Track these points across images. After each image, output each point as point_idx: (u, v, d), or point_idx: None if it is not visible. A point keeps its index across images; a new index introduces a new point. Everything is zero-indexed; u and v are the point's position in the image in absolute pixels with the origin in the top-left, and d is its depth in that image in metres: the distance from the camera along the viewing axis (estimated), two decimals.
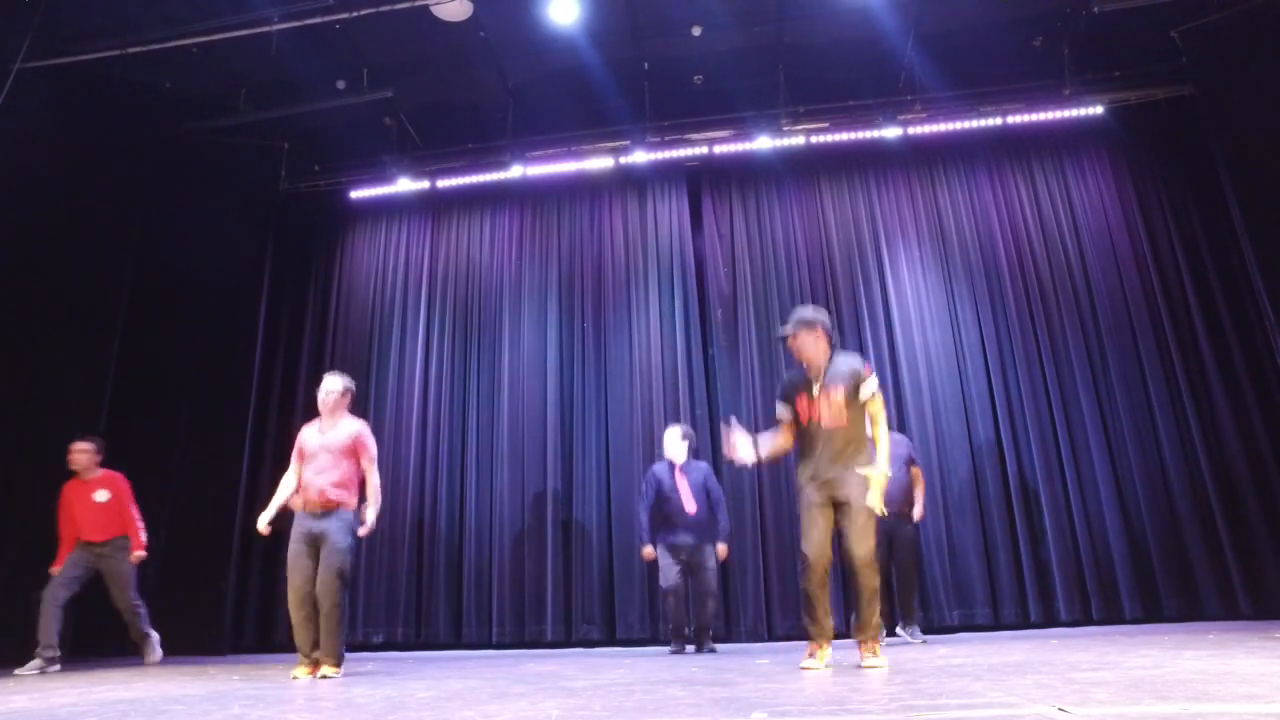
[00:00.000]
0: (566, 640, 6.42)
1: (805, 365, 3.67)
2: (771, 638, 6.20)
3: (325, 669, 4.02)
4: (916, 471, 5.56)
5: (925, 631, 5.51)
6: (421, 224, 8.06)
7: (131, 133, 7.08)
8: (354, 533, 4.18)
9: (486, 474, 7.06)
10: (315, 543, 4.10)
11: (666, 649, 5.54)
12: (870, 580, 3.40)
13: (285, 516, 4.34)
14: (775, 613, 6.27)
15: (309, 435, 4.36)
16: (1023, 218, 7.06)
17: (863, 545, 3.39)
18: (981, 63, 7.03)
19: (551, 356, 7.28)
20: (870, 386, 3.58)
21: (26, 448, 6.23)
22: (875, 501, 3.42)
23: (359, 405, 7.37)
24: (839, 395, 3.55)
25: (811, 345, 3.63)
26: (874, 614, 3.42)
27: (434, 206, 8.05)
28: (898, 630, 5.32)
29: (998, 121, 6.94)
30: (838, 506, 3.52)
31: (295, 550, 4.12)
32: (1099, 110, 6.81)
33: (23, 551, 6.05)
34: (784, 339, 3.69)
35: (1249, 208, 6.18)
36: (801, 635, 6.14)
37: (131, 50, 6.21)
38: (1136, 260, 6.72)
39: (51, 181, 6.60)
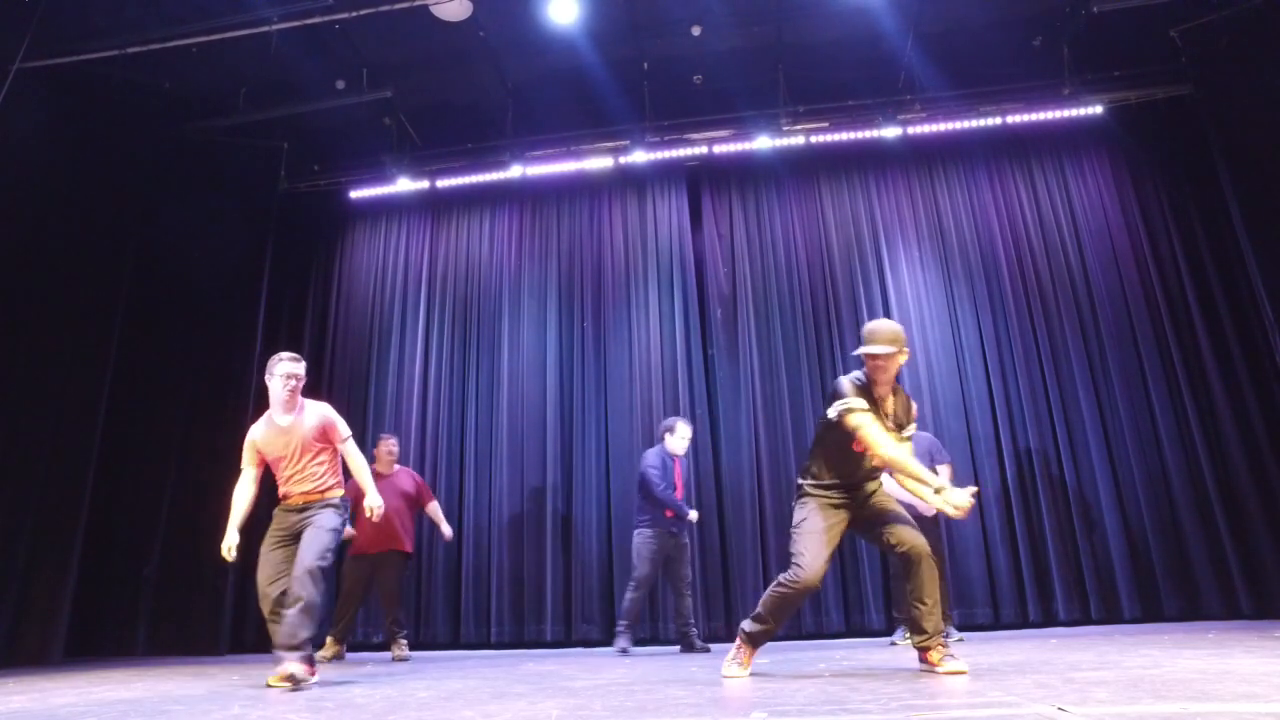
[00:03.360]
0: (566, 640, 6.41)
1: (874, 387, 3.20)
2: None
3: (291, 668, 3.38)
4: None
5: None
6: (421, 224, 8.06)
7: (131, 133, 7.07)
8: (341, 518, 3.74)
9: (486, 473, 7.05)
10: (296, 535, 3.68)
11: (674, 649, 5.53)
12: (935, 569, 3.14)
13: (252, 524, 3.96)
14: None
15: (268, 435, 3.79)
16: (1022, 217, 7.06)
17: (920, 535, 3.16)
18: (981, 62, 7.03)
19: (551, 356, 7.28)
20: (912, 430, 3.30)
21: (26, 447, 6.22)
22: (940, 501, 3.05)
23: (359, 407, 7.44)
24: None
25: (894, 371, 3.21)
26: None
27: (434, 206, 8.04)
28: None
29: (997, 121, 6.93)
30: (865, 519, 3.26)
31: (271, 546, 3.69)
32: (1098, 110, 6.80)
33: (21, 548, 6.04)
34: (872, 355, 3.14)
35: (1249, 207, 6.18)
36: (799, 636, 6.19)
37: (131, 50, 6.21)
38: (1136, 260, 6.72)
39: (51, 181, 6.60)
